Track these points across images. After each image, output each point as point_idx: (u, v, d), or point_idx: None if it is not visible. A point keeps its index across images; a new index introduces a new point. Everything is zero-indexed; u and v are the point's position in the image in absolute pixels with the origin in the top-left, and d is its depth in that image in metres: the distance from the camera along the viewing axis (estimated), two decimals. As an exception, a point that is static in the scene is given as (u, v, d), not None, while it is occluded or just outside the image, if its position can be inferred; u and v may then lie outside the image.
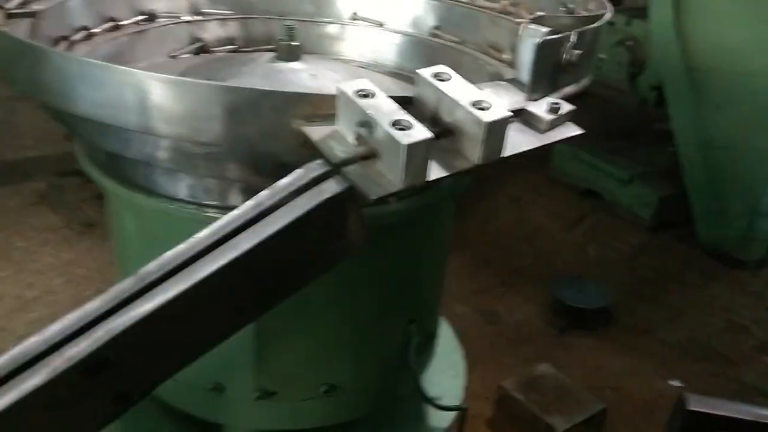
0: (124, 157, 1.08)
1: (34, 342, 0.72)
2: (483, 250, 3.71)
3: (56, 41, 1.26)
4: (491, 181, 4.38)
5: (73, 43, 1.30)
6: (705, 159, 3.65)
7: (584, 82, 1.06)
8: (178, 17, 1.53)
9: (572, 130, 0.92)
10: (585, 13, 1.13)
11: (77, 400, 0.72)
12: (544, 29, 0.92)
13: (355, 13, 1.66)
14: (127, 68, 0.89)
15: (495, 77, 1.32)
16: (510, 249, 3.80)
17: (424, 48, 1.56)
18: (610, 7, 1.12)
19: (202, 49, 1.53)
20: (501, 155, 0.85)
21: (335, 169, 0.81)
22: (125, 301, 0.74)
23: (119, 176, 1.16)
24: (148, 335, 0.73)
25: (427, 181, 0.81)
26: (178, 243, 1.11)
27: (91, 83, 0.88)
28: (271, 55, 1.33)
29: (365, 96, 0.82)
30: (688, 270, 3.77)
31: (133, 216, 1.22)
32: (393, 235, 1.22)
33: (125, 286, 0.74)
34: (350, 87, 0.83)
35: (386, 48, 1.62)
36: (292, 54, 1.29)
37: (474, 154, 0.83)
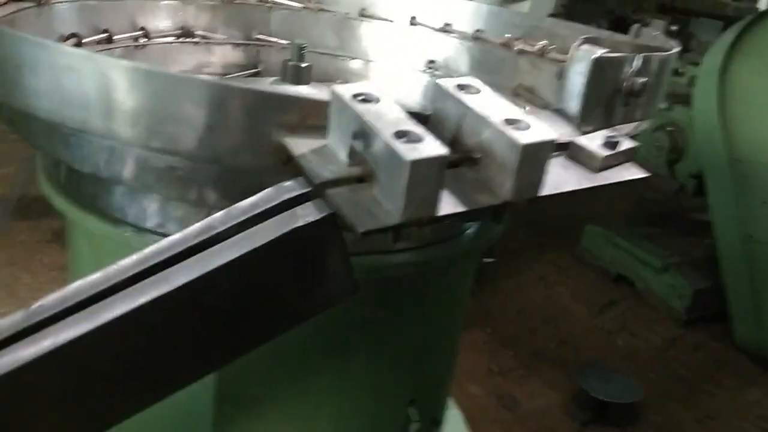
0: (74, 170, 0.89)
1: None
2: (505, 328, 3.53)
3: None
4: (518, 256, 4.23)
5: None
6: (745, 254, 3.50)
7: (644, 125, 0.85)
8: (185, 37, 1.38)
9: (633, 172, 0.71)
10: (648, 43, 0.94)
11: None
12: (600, 50, 0.73)
13: (385, 53, 1.51)
14: (81, 50, 0.71)
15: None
16: (534, 330, 3.62)
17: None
18: (677, 43, 0.93)
19: (203, 71, 1.37)
20: (538, 192, 0.64)
21: (317, 190, 0.61)
22: (5, 342, 0.53)
23: (69, 191, 0.97)
24: (32, 386, 0.52)
25: (436, 216, 0.60)
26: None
27: (36, 68, 0.70)
28: (277, 77, 1.15)
29: (366, 101, 0.63)
30: (722, 370, 3.56)
31: (86, 242, 1.02)
32: (397, 292, 0.99)
33: (9, 322, 0.54)
34: (347, 89, 0.64)
35: (410, 87, 1.45)
36: (299, 76, 1.11)
37: (504, 186, 0.62)
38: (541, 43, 1.30)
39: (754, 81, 3.40)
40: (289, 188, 0.62)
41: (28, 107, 0.72)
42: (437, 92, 0.69)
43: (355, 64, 1.50)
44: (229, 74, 1.38)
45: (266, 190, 0.62)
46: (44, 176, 1.01)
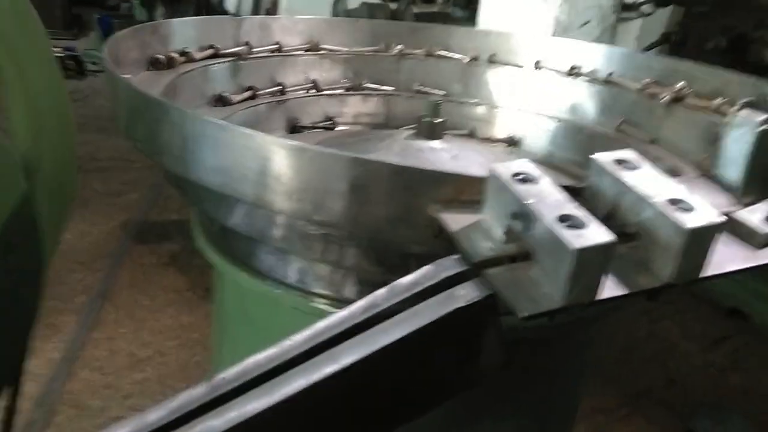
0: (232, 230, 0.95)
1: None
2: (607, 364, 3.38)
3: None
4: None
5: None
6: None
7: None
8: (320, 90, 1.45)
9: (798, 250, 0.68)
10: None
11: None
12: (762, 116, 0.71)
13: (512, 98, 1.52)
14: (247, 130, 0.76)
15: (673, 174, 1.10)
16: (638, 368, 3.45)
17: (582, 136, 1.37)
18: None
19: (335, 124, 1.43)
20: (702, 274, 0.63)
21: (475, 269, 0.63)
22: (193, 413, 0.57)
23: (225, 250, 1.04)
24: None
25: (597, 300, 0.60)
26: (279, 330, 0.96)
27: (207, 144, 0.76)
28: (411, 131, 1.19)
29: (525, 181, 0.64)
30: None
31: (236, 295, 1.08)
32: (533, 354, 0.99)
33: (195, 394, 0.58)
34: (506, 168, 0.65)
35: (537, 133, 1.44)
36: (433, 132, 1.14)
37: (666, 269, 0.61)
38: (677, 85, 1.26)
39: None
40: (448, 266, 0.64)
41: (202, 180, 0.78)
42: (593, 166, 0.69)
43: (480, 110, 1.51)
44: (360, 124, 1.43)
45: (426, 267, 0.64)
46: (199, 231, 1.08)
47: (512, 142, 1.48)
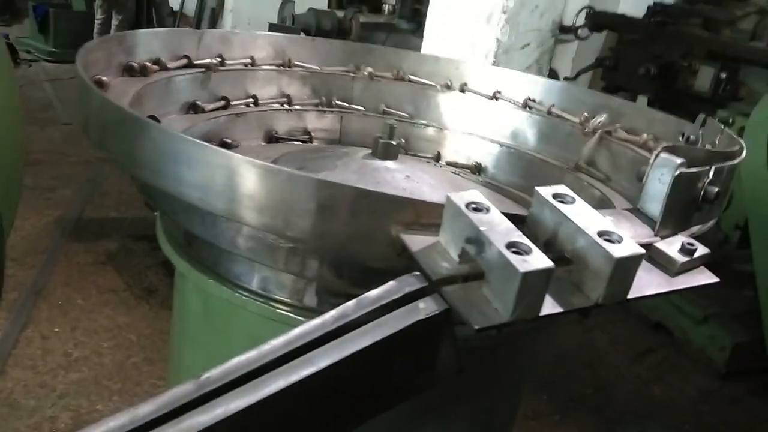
0: (200, 238, 1.01)
1: None
2: (540, 371, 3.54)
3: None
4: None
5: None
6: None
7: (711, 223, 0.94)
8: (278, 104, 1.51)
9: (706, 277, 0.80)
10: (716, 148, 1.03)
11: None
12: (679, 159, 0.83)
13: (458, 122, 1.62)
14: (225, 150, 0.83)
15: (603, 203, 1.22)
16: (569, 375, 3.63)
17: (522, 161, 1.49)
18: (743, 144, 1.02)
19: (294, 138, 1.50)
20: (625, 297, 0.74)
21: (433, 286, 0.72)
22: (181, 408, 0.64)
23: (193, 257, 1.10)
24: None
25: (539, 317, 0.70)
26: (241, 334, 1.03)
27: (185, 162, 0.82)
28: (367, 151, 1.27)
29: (477, 210, 0.73)
30: (759, 426, 3.55)
31: (200, 300, 1.14)
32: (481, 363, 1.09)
33: (182, 391, 0.65)
34: (462, 198, 0.74)
35: (481, 157, 1.55)
36: (388, 153, 1.23)
37: (596, 292, 0.72)
38: (601, 120, 1.39)
39: (802, 134, 3.43)
40: (409, 282, 0.73)
41: (179, 194, 0.84)
42: (535, 198, 0.79)
43: (430, 131, 1.61)
44: (317, 138, 1.51)
45: (390, 283, 0.73)
46: (165, 238, 1.13)
47: (466, 167, 1.58)
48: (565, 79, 4.32)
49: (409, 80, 1.65)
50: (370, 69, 1.62)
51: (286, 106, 1.49)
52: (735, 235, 3.96)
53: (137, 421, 0.63)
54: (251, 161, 0.80)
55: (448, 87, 1.65)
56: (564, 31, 4.26)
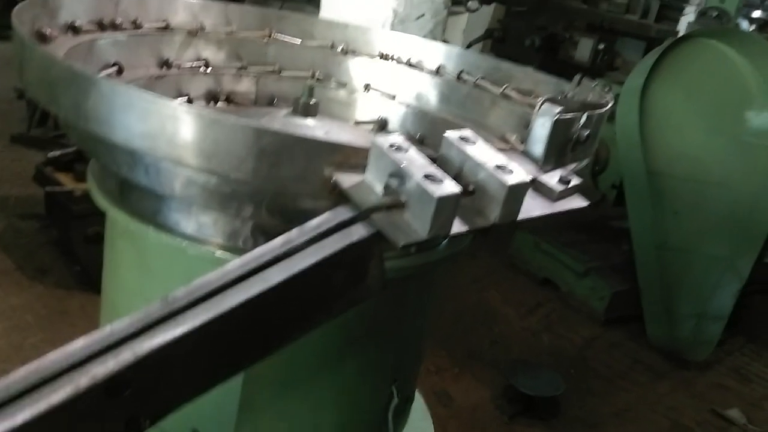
0: (137, 187, 1.10)
1: (55, 358, 0.71)
2: (441, 329, 3.75)
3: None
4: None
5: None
6: (658, 260, 3.81)
7: (585, 162, 1.13)
8: (195, 67, 1.58)
9: (580, 202, 0.99)
10: (590, 100, 1.22)
11: (94, 420, 0.71)
12: (558, 107, 1.00)
13: (368, 85, 1.75)
14: (173, 102, 0.92)
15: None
16: (467, 331, 3.86)
17: (428, 120, 1.65)
18: (611, 97, 1.21)
19: (215, 99, 1.58)
20: (516, 217, 0.90)
21: (363, 214, 0.85)
22: (152, 323, 0.74)
23: (127, 206, 1.18)
24: (171, 360, 0.73)
25: (450, 234, 0.85)
26: (180, 278, 1.12)
27: (136, 113, 0.91)
28: (287, 110, 1.38)
29: (398, 150, 0.87)
30: (636, 366, 3.88)
31: (137, 248, 1.22)
32: (395, 289, 1.24)
33: (153, 310, 0.75)
34: (386, 140, 0.88)
35: (391, 116, 1.70)
36: (308, 111, 1.34)
37: (493, 213, 0.88)
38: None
39: (670, 101, 3.70)
40: (343, 213, 0.86)
41: (111, 136, 0.94)
42: (444, 141, 0.94)
43: (342, 94, 1.74)
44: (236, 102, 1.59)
45: (326, 213, 0.86)
46: (95, 185, 1.20)
47: (376, 123, 1.72)
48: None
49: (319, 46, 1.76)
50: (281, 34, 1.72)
51: (203, 69, 1.56)
52: (612, 193, 4.29)
53: (114, 335, 0.72)
54: (202, 112, 0.91)
55: (355, 53, 1.78)
56: (456, 2, 4.45)
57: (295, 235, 0.83)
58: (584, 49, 5.17)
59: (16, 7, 1.17)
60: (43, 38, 1.22)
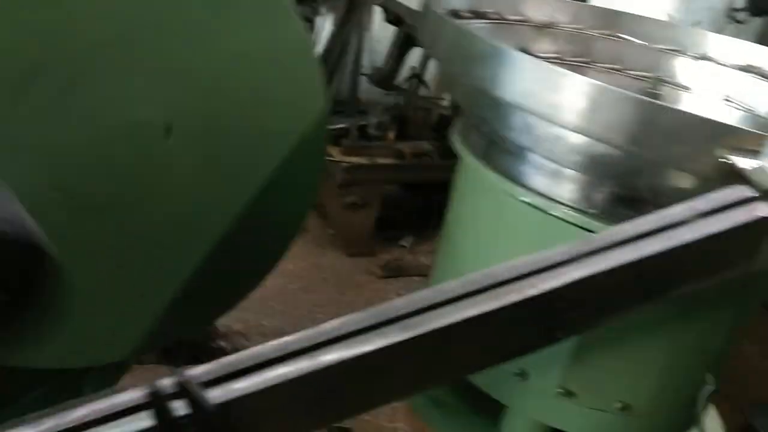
0: (508, 150, 1.28)
1: (500, 271, 0.86)
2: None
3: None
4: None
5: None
6: None
7: None
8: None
9: None
10: None
11: (518, 326, 0.87)
12: None
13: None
14: (584, 77, 1.08)
15: None
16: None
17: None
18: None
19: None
20: None
21: (764, 196, 0.92)
22: (578, 257, 0.87)
23: (492, 164, 1.38)
24: (592, 289, 0.86)
25: None
26: (534, 233, 1.29)
27: (544, 85, 1.08)
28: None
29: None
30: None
31: (495, 202, 1.40)
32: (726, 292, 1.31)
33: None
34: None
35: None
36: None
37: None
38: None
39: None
40: (739, 191, 0.93)
41: (523, 104, 1.14)
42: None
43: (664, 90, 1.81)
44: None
45: (719, 191, 0.93)
46: (461, 140, 1.43)
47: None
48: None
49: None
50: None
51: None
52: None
53: (547, 261, 0.88)
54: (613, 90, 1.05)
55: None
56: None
57: (676, 212, 0.90)
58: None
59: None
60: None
